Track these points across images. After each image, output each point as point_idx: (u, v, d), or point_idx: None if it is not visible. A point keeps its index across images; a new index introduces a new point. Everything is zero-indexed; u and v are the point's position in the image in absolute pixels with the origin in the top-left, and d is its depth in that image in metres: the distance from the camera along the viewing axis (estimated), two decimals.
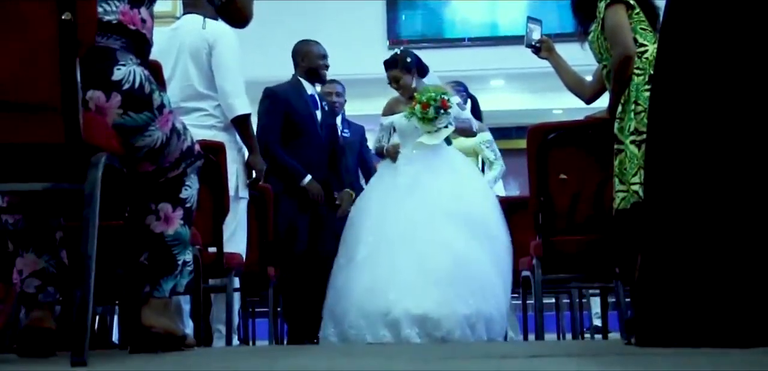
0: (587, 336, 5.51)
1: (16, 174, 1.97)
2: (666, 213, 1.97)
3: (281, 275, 4.38)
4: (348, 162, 5.16)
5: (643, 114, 2.80)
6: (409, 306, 3.83)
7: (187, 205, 2.25)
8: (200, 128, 3.56)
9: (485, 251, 4.01)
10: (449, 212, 4.08)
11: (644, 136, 2.55)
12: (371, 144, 5.11)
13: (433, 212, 4.08)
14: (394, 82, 4.48)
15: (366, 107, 7.61)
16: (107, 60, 2.03)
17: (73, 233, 2.14)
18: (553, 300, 5.64)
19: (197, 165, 2.31)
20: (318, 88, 4.76)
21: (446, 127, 4.32)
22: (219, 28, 3.62)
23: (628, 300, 3.41)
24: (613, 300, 4.20)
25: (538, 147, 3.27)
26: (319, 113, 4.59)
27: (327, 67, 4.68)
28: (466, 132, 4.64)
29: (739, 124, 1.89)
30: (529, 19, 3.45)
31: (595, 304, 5.61)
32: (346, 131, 5.35)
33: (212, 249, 3.32)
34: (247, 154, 3.91)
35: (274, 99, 4.52)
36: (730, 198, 1.87)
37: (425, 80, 4.47)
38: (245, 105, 3.71)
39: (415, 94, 4.34)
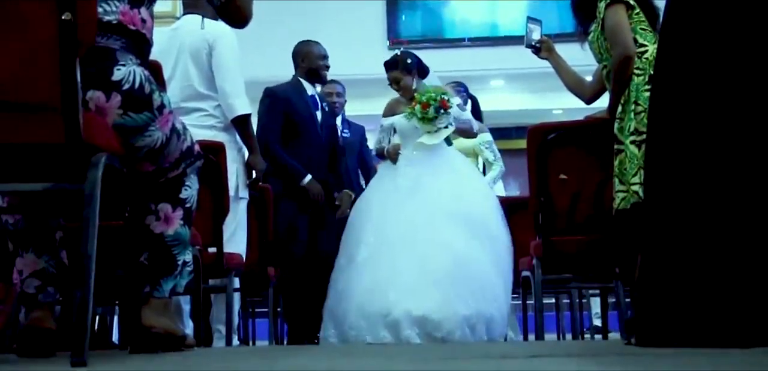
0: (587, 336, 5.50)
1: (16, 174, 1.97)
2: (666, 213, 1.97)
3: (281, 276, 4.38)
4: (347, 163, 5.16)
5: (643, 114, 2.80)
6: (409, 307, 3.83)
7: (187, 205, 2.25)
8: (200, 128, 3.56)
9: (486, 252, 4.01)
10: (450, 212, 4.08)
11: (644, 136, 2.55)
12: (371, 145, 5.11)
13: (434, 213, 4.08)
14: (394, 83, 4.48)
15: (366, 108, 7.61)
16: (107, 60, 2.03)
17: (73, 233, 2.14)
18: (553, 301, 5.64)
19: (197, 165, 2.31)
20: (318, 88, 4.76)
21: (446, 127, 4.32)
22: (219, 28, 3.62)
23: (628, 300, 3.42)
24: (613, 300, 4.20)
25: (538, 147, 3.27)
26: (319, 114, 4.58)
27: (327, 67, 4.68)
28: (467, 133, 4.65)
29: (739, 124, 1.89)
30: (529, 19, 3.45)
31: (595, 304, 5.60)
32: (346, 131, 5.35)
33: (212, 249, 3.32)
34: (247, 154, 3.91)
35: (274, 99, 4.52)
36: (729, 198, 1.87)
37: (426, 81, 4.47)
38: (245, 105, 3.71)
39: (415, 94, 4.34)
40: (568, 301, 5.09)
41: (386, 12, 9.99)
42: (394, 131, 4.49)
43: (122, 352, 2.76)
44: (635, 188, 2.79)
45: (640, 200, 2.72)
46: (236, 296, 3.85)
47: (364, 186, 4.97)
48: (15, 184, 2.00)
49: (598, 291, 4.77)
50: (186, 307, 3.40)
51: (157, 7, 2.29)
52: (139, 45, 2.13)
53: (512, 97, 10.40)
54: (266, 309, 4.42)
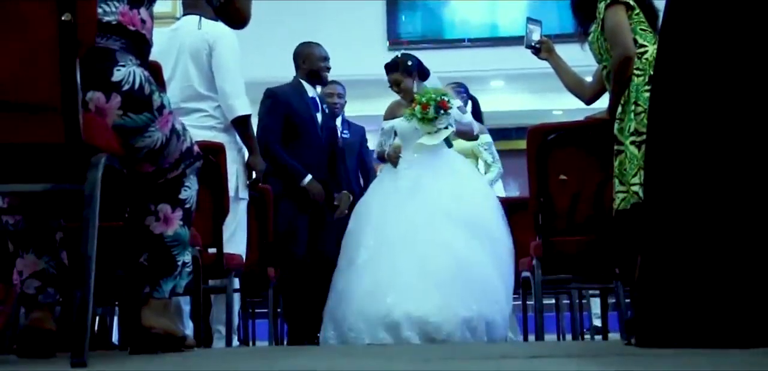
0: (587, 336, 5.50)
1: (16, 175, 1.97)
2: (666, 214, 1.97)
3: (281, 276, 4.38)
4: (347, 164, 5.16)
5: (643, 115, 2.80)
6: (409, 309, 3.82)
7: (187, 206, 2.25)
8: (200, 128, 3.56)
9: (486, 253, 4.01)
10: (450, 213, 4.08)
11: (644, 137, 2.55)
12: (372, 146, 5.11)
13: (434, 214, 4.08)
14: (395, 85, 4.48)
15: (366, 108, 7.62)
16: (107, 61, 2.03)
17: (73, 233, 2.14)
18: (553, 301, 5.64)
19: (196, 166, 2.31)
20: (319, 90, 4.76)
21: (446, 127, 4.33)
22: (219, 28, 3.61)
23: (628, 300, 3.42)
24: (613, 300, 4.20)
25: (538, 148, 3.27)
26: (319, 116, 4.59)
27: (328, 69, 4.69)
28: (468, 135, 4.64)
29: (739, 124, 1.89)
30: (529, 19, 3.45)
31: (595, 305, 5.60)
32: (346, 131, 5.35)
33: (212, 250, 3.32)
34: (247, 155, 3.91)
35: (274, 100, 4.52)
36: (729, 199, 1.87)
37: (426, 83, 4.47)
38: (245, 106, 3.71)
39: (415, 95, 4.34)
40: (568, 302, 5.09)
41: (386, 12, 9.99)
42: (395, 134, 4.49)
43: (122, 353, 2.76)
44: (635, 188, 2.79)
45: (640, 200, 2.72)
46: (236, 296, 3.85)
47: (362, 187, 4.96)
48: (15, 184, 2.00)
49: (598, 292, 4.77)
50: (186, 308, 3.40)
51: (157, 8, 2.29)
52: (139, 46, 2.13)
53: (512, 97, 10.39)
54: (266, 310, 4.42)
